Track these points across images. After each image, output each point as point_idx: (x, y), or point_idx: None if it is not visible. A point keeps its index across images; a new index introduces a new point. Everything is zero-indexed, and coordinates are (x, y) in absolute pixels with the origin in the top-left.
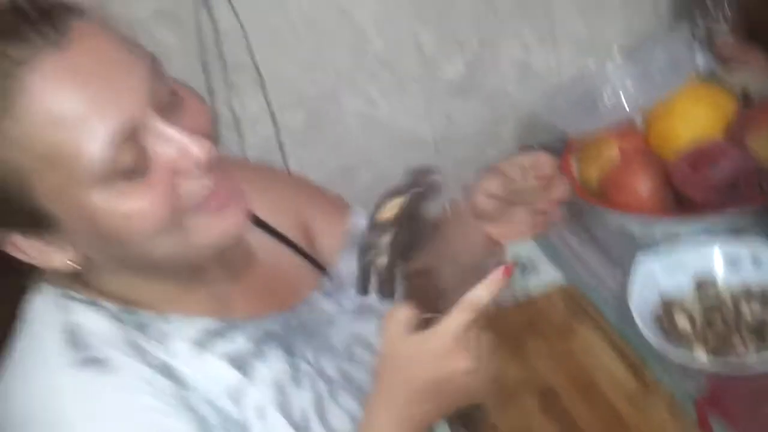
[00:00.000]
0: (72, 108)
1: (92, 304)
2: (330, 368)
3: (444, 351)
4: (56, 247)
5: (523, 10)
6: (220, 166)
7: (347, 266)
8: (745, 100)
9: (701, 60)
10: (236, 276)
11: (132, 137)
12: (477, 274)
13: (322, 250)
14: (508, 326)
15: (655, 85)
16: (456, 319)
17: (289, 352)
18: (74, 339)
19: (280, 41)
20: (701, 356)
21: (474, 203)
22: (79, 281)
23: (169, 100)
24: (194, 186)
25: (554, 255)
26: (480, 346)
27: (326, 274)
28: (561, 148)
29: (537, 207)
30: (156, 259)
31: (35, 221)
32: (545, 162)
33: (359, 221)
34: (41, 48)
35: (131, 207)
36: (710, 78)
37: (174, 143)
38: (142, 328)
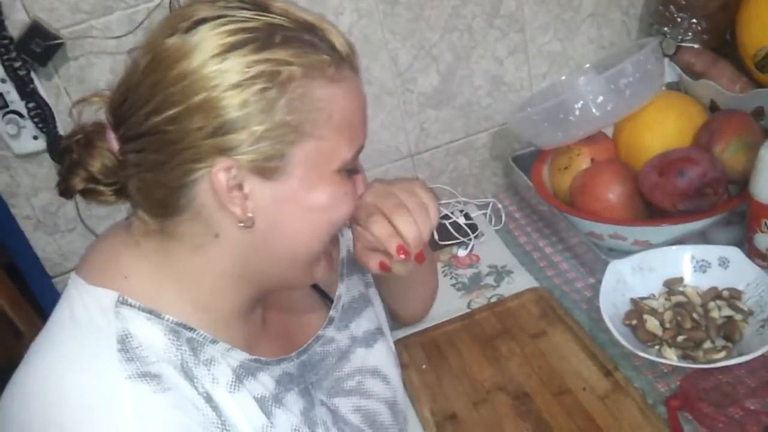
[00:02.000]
0: (357, 115)
1: (149, 313)
2: (344, 407)
3: None
4: (253, 198)
5: (496, 25)
6: None
7: (348, 291)
8: (713, 110)
9: (670, 72)
10: (266, 315)
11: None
12: None
13: (321, 274)
14: (482, 330)
15: (626, 97)
16: None
17: (306, 395)
18: (129, 350)
19: None
20: (670, 355)
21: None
22: (143, 287)
23: None
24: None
25: (527, 261)
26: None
27: (331, 302)
28: (532, 158)
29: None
30: (272, 270)
31: (272, 169)
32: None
33: (347, 241)
34: (352, 72)
35: (344, 191)
36: (679, 90)
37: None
38: (194, 348)
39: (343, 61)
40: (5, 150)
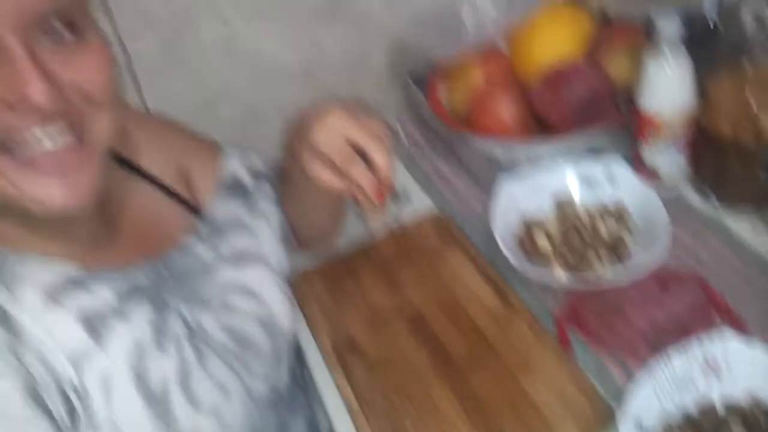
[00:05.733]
0: None
1: None
2: (206, 320)
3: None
4: None
5: None
6: (81, 134)
7: (222, 211)
8: (604, 20)
9: None
10: (106, 220)
11: None
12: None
13: (198, 196)
14: (381, 256)
15: (515, 4)
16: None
17: (158, 305)
18: None
19: None
20: (559, 273)
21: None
22: None
23: (60, 36)
24: (16, 123)
25: (425, 183)
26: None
27: (201, 218)
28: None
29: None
30: None
31: None
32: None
33: (232, 166)
34: None
35: None
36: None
37: (15, 72)
38: None
39: None
40: None
